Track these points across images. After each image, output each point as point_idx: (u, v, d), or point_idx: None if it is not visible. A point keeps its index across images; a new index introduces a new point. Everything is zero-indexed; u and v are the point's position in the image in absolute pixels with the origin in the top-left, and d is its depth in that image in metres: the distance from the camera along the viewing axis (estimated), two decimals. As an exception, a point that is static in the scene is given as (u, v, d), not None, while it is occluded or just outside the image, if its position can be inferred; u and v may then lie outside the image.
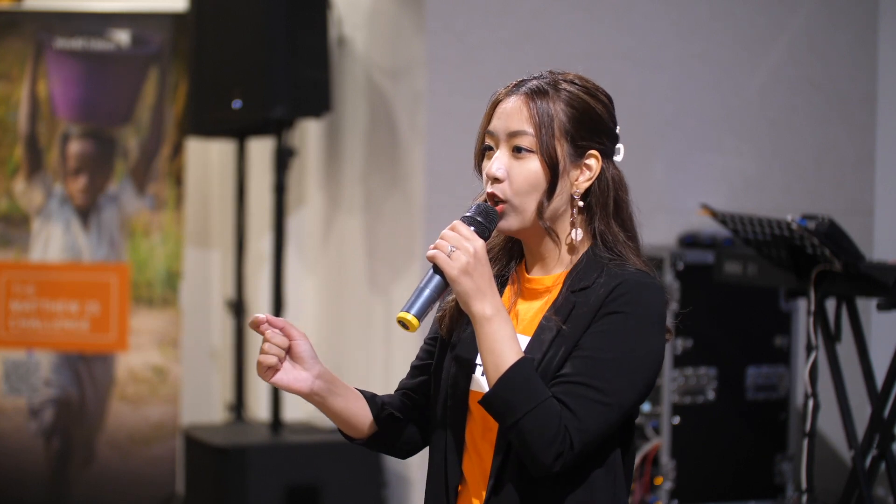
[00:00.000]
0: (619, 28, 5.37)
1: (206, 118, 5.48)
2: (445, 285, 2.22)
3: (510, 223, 2.30)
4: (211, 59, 5.43)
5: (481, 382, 2.29)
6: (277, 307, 5.37)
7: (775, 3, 5.56)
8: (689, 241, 5.21)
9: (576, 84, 2.32)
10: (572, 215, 2.31)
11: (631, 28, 5.40)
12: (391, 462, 5.28)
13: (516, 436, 2.17)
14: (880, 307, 4.07)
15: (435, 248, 2.21)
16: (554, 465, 2.17)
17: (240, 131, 5.64)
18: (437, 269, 2.22)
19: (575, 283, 2.28)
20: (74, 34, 5.66)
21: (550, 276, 2.33)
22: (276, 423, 5.34)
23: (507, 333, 2.20)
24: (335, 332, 5.78)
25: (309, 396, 2.31)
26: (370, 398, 2.39)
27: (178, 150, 5.70)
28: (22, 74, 5.67)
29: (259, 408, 5.83)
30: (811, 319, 4.11)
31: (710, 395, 5.02)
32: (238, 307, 5.71)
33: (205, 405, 6.11)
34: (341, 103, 5.66)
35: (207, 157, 6.20)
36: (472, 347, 2.31)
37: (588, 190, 2.31)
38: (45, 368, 5.62)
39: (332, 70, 5.38)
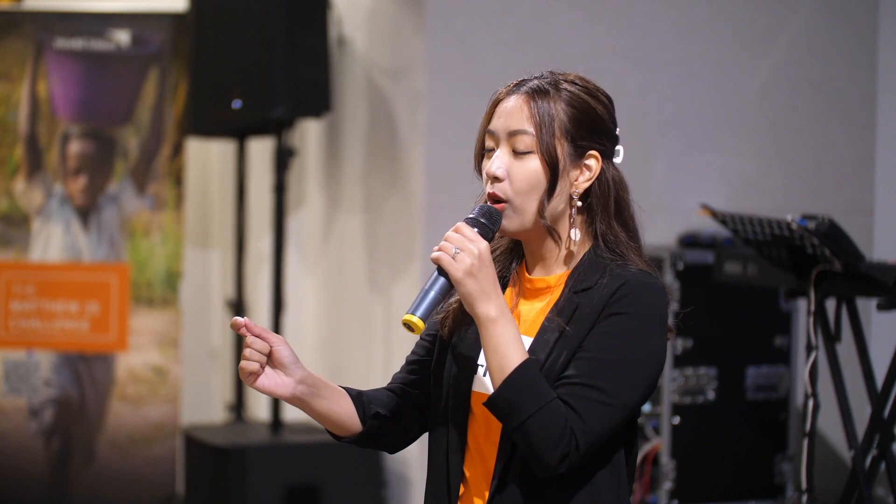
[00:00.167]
0: (619, 28, 5.37)
1: (206, 118, 5.48)
2: (450, 287, 2.22)
3: (511, 223, 2.30)
4: (211, 59, 5.43)
5: (484, 383, 2.29)
6: (277, 307, 5.37)
7: (775, 3, 5.56)
8: (689, 241, 5.21)
9: (577, 84, 2.32)
10: (571, 215, 2.32)
11: (631, 28, 5.40)
12: (391, 462, 5.28)
13: (521, 437, 2.17)
14: (880, 307, 4.07)
15: (439, 249, 2.21)
16: (559, 467, 2.17)
17: (240, 131, 5.64)
18: (441, 271, 2.22)
19: (577, 283, 2.28)
20: (74, 34, 5.66)
21: (552, 276, 2.34)
22: (276, 423, 5.34)
23: (511, 335, 2.20)
24: (335, 332, 5.78)
25: (292, 400, 2.31)
26: (356, 396, 2.39)
27: (178, 150, 5.70)
28: (22, 74, 5.67)
29: (259, 408, 5.82)
30: (811, 319, 4.11)
31: (710, 395, 5.02)
32: (238, 307, 5.71)
33: (205, 405, 6.11)
34: (341, 103, 5.66)
35: (207, 157, 6.20)
36: (475, 348, 2.31)
37: (588, 190, 2.32)
38: (45, 368, 5.62)
39: (332, 70, 5.38)
